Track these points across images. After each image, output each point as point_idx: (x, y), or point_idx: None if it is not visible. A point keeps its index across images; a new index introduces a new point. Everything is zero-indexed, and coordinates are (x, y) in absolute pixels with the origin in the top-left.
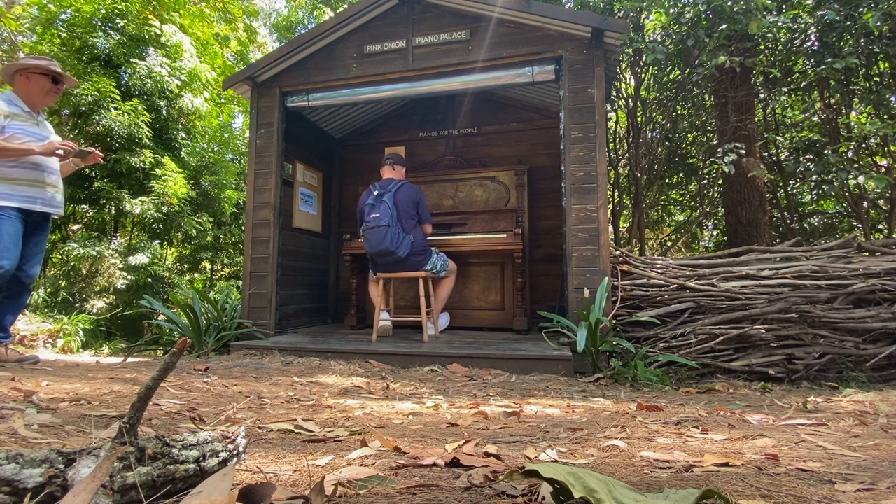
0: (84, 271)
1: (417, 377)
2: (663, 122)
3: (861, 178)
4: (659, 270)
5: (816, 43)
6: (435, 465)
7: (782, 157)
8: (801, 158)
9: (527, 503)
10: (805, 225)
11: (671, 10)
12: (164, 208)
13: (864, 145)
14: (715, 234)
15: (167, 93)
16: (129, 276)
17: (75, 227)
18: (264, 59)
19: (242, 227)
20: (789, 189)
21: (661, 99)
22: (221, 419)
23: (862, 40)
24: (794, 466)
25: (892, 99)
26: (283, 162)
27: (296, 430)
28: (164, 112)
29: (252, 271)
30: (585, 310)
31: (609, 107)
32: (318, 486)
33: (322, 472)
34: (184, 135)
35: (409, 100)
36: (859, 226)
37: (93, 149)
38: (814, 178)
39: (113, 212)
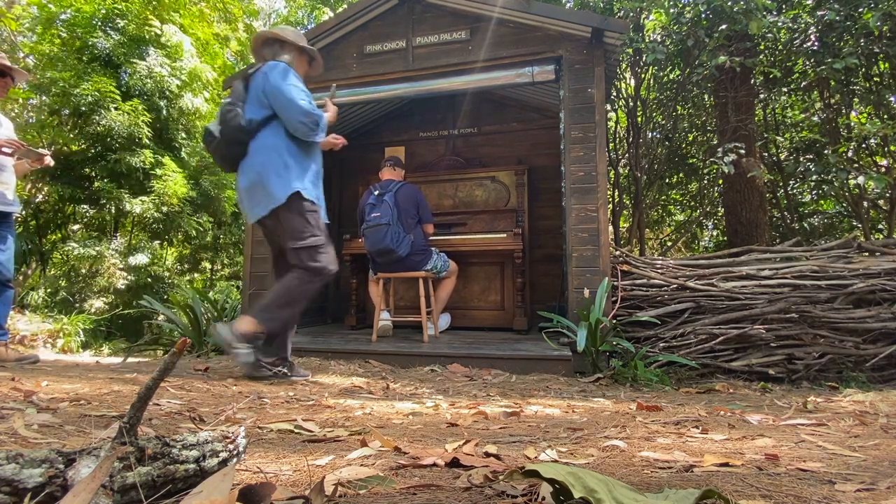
0: (84, 271)
1: (417, 377)
2: (663, 122)
3: (861, 179)
4: (659, 270)
5: (816, 43)
6: (435, 465)
7: (782, 157)
8: (801, 158)
9: (527, 503)
10: (805, 225)
11: (671, 10)
12: (165, 208)
13: (863, 145)
14: (715, 234)
15: (167, 93)
16: (129, 277)
17: (75, 227)
18: None
19: (242, 227)
20: (789, 189)
21: (661, 99)
22: (221, 419)
23: (862, 40)
24: (794, 466)
25: (892, 99)
26: None
27: (296, 430)
28: (165, 112)
29: (252, 271)
30: (585, 310)
31: (609, 107)
32: (318, 486)
33: (322, 472)
34: (184, 135)
35: (409, 100)
36: (859, 226)
37: (46, 152)
38: (814, 178)
39: (113, 212)
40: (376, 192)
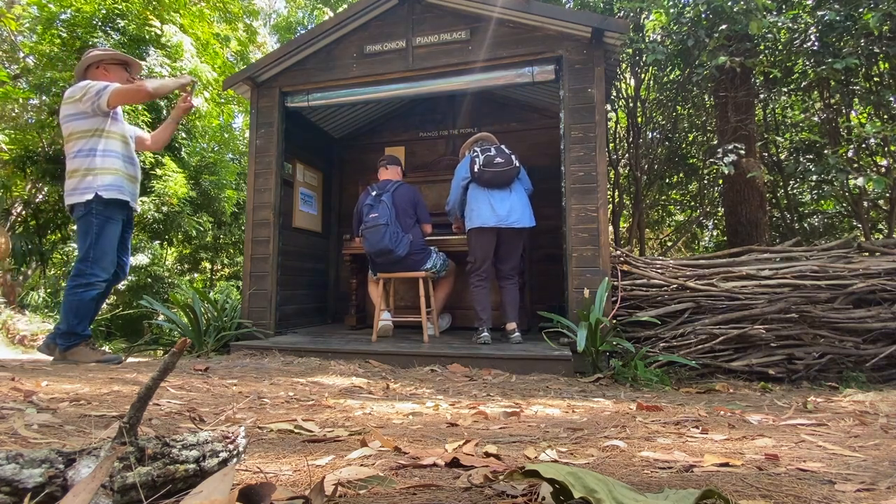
0: None
1: (417, 377)
2: (663, 122)
3: (861, 180)
4: (659, 270)
5: (816, 43)
6: (435, 465)
7: (782, 157)
8: (801, 159)
9: (527, 503)
10: (805, 225)
11: (671, 10)
12: (165, 208)
13: (864, 145)
14: (715, 234)
15: None
16: (129, 277)
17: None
18: (264, 59)
19: (242, 227)
20: (789, 189)
21: (661, 99)
22: (221, 419)
23: (862, 40)
24: (794, 466)
25: (892, 99)
26: (283, 162)
27: (296, 430)
28: (165, 112)
29: (252, 271)
30: (585, 310)
31: (609, 107)
32: (318, 486)
33: (322, 472)
34: (184, 135)
35: (409, 100)
36: (859, 226)
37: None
38: (814, 178)
39: None
40: (374, 193)
